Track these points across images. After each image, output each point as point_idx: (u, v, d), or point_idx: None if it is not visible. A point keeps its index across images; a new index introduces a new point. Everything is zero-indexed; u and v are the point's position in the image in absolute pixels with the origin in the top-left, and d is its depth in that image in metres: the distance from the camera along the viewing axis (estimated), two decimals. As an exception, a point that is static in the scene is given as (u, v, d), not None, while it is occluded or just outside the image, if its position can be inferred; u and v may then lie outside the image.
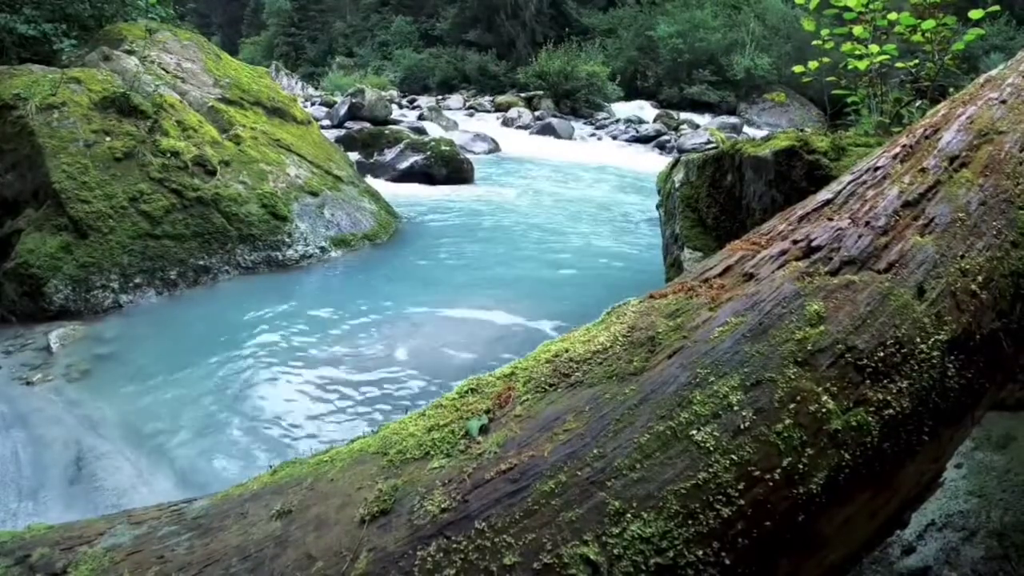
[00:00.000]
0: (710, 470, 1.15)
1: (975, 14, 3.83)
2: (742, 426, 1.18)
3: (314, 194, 7.54)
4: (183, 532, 1.24)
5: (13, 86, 6.15)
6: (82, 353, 4.88)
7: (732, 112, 26.52)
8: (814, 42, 4.54)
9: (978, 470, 2.37)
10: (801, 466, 1.18)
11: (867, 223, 1.48)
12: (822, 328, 1.29)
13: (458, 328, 5.43)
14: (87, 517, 1.40)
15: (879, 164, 1.67)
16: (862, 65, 4.27)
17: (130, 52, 7.59)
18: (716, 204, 4.37)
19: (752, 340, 1.28)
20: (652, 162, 15.66)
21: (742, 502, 1.14)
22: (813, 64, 4.47)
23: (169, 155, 6.41)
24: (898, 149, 1.71)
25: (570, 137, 20.92)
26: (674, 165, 5.12)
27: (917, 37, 4.10)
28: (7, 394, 4.31)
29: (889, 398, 1.26)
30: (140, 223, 6.00)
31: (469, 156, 13.17)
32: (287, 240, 6.93)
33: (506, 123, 22.77)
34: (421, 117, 20.99)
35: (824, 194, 1.63)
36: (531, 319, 5.53)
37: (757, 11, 29.62)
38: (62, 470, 3.58)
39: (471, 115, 25.08)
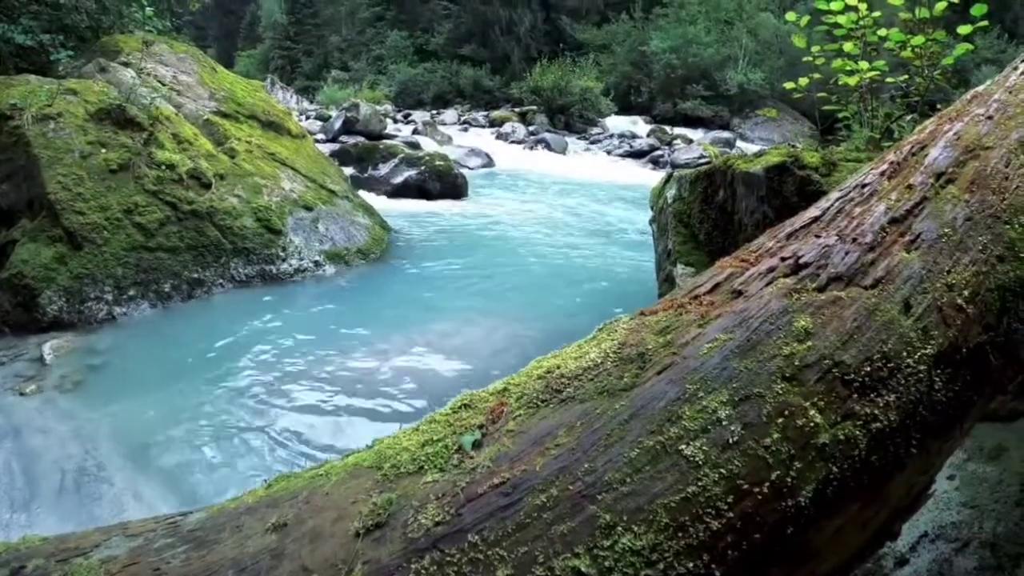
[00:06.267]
0: (699, 484, 1.16)
1: (964, 29, 3.86)
2: (731, 440, 1.20)
3: (308, 208, 7.55)
4: (179, 544, 1.24)
5: (10, 96, 6.16)
6: (75, 364, 4.87)
7: (725, 127, 26.66)
8: (805, 58, 4.58)
9: (970, 481, 2.38)
10: (790, 479, 1.19)
11: (854, 239, 1.50)
12: (809, 344, 1.31)
13: (451, 343, 5.43)
14: (81, 529, 1.41)
15: (866, 181, 1.69)
16: (852, 81, 4.31)
17: (126, 64, 7.62)
18: (708, 220, 4.40)
19: (740, 356, 1.30)
20: (645, 177, 15.73)
21: (731, 515, 1.15)
22: (804, 80, 4.50)
23: (164, 167, 6.42)
24: (885, 166, 1.73)
25: (564, 152, 20.99)
26: (667, 180, 5.14)
27: (907, 53, 4.13)
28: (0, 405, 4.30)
29: (876, 412, 1.28)
30: (135, 235, 6.00)
31: (463, 171, 13.21)
32: (281, 254, 6.93)
33: (500, 137, 22.85)
34: (416, 131, 21.06)
35: (812, 211, 1.65)
36: (523, 335, 5.54)
37: (749, 27, 29.83)
38: (55, 482, 3.57)
39: (465, 130, 25.18)
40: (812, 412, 1.24)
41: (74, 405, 4.35)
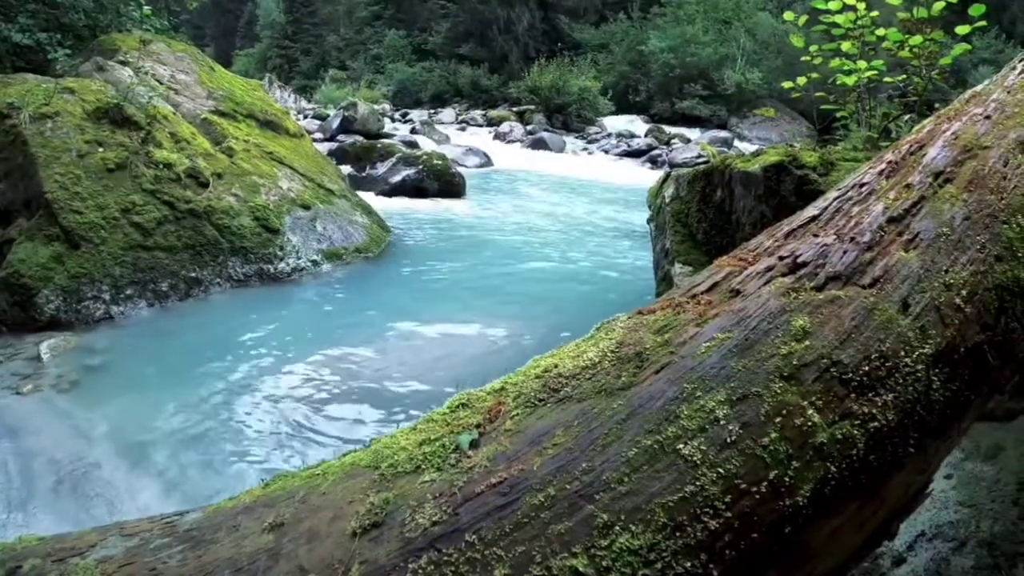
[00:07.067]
0: (697, 483, 1.16)
1: (962, 29, 3.86)
2: (728, 440, 1.20)
3: (306, 207, 7.55)
4: (175, 544, 1.24)
5: (7, 95, 6.16)
6: (72, 363, 4.86)
7: (723, 126, 26.63)
8: (803, 58, 4.58)
9: (968, 480, 2.39)
10: (787, 479, 1.19)
11: (852, 239, 1.50)
12: (807, 343, 1.31)
13: (449, 342, 5.43)
14: (78, 529, 1.41)
15: (865, 180, 1.69)
16: (850, 80, 4.30)
17: (124, 63, 7.60)
18: (706, 219, 4.40)
19: (738, 355, 1.29)
20: (643, 176, 15.72)
21: (729, 515, 1.15)
22: (802, 79, 4.50)
23: (162, 167, 6.41)
24: (884, 165, 1.73)
25: (562, 151, 21.00)
26: (665, 180, 5.15)
27: (905, 52, 4.13)
28: (-3, 404, 4.30)
29: (874, 411, 1.28)
30: (132, 234, 5.99)
31: (461, 170, 13.20)
32: (279, 253, 6.93)
33: (498, 137, 22.87)
34: (413, 131, 21.08)
35: (810, 210, 1.64)
36: (521, 334, 5.54)
37: (747, 26, 29.80)
38: (52, 481, 3.56)
39: (463, 129, 25.19)
40: (810, 411, 1.24)
41: (71, 404, 4.34)
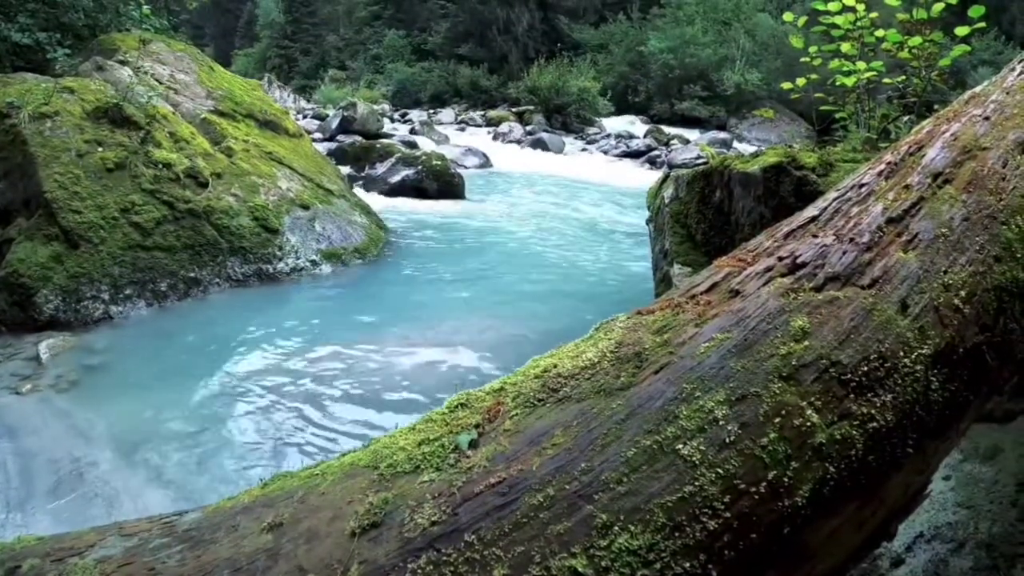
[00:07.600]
0: (696, 483, 1.16)
1: (961, 30, 3.87)
2: (727, 440, 1.20)
3: (305, 207, 7.54)
4: (174, 544, 1.24)
5: (7, 94, 6.15)
6: (72, 363, 4.86)
7: (722, 127, 26.65)
8: (803, 59, 4.58)
9: (966, 482, 2.38)
10: (786, 479, 1.19)
11: (851, 239, 1.50)
12: (807, 343, 1.31)
13: (448, 343, 5.42)
14: (77, 529, 1.40)
15: (864, 181, 1.69)
16: (850, 81, 4.30)
17: (124, 62, 7.60)
18: (705, 220, 4.39)
19: (737, 355, 1.29)
20: (642, 177, 15.71)
21: (728, 515, 1.15)
22: (801, 80, 4.50)
23: (161, 166, 6.41)
24: (883, 166, 1.73)
25: (561, 152, 20.99)
26: (664, 181, 5.15)
27: (904, 54, 4.13)
28: (-4, 404, 4.30)
29: (873, 412, 1.28)
30: (131, 234, 5.99)
31: (460, 170, 13.19)
32: (278, 253, 6.92)
33: (497, 137, 22.86)
34: (413, 131, 21.07)
35: (810, 211, 1.65)
36: (520, 334, 5.54)
37: (747, 27, 29.83)
38: (51, 481, 3.56)
39: (462, 129, 25.18)
40: (809, 412, 1.24)
41: (70, 404, 4.34)
